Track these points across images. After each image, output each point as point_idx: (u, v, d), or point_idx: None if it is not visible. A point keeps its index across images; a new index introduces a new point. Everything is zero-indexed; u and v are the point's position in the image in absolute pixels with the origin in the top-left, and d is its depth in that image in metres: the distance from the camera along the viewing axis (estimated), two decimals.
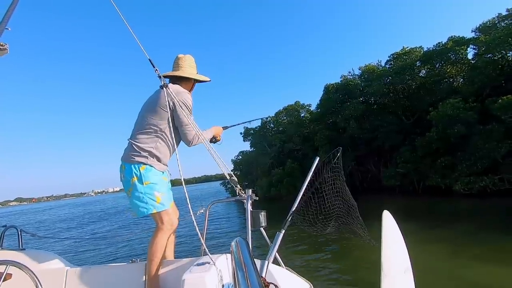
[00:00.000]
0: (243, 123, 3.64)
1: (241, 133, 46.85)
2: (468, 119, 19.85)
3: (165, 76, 2.81)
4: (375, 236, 2.62)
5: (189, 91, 2.84)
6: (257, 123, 45.69)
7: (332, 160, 2.63)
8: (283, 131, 40.69)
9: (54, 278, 2.71)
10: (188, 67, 2.90)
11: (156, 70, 2.41)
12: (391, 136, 26.33)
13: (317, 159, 2.62)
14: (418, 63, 27.14)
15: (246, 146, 62.84)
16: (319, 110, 35.60)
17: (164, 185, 2.65)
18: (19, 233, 3.00)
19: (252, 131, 45.33)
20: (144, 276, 2.63)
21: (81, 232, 25.43)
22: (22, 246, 2.94)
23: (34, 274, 2.46)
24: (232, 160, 51.51)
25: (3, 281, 2.32)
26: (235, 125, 3.33)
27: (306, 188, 2.51)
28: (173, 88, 2.59)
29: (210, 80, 3.04)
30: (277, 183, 33.81)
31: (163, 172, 2.68)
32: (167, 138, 2.64)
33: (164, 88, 2.46)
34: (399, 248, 2.65)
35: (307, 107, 41.27)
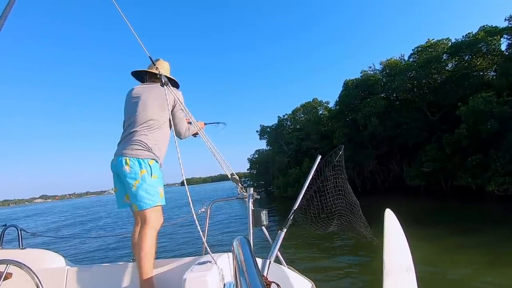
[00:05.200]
0: (217, 123, 3.59)
1: (257, 131, 46.98)
2: (502, 115, 18.81)
3: (142, 72, 3.06)
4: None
5: None
6: (274, 121, 45.59)
7: (334, 158, 2.62)
8: (300, 129, 40.27)
9: (54, 278, 2.71)
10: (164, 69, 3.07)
11: (157, 68, 2.61)
12: (415, 133, 25.65)
13: (319, 157, 2.62)
14: (445, 56, 26.18)
15: (263, 145, 62.99)
16: (338, 107, 35.12)
17: (163, 182, 2.72)
18: (19, 232, 3.08)
19: (268, 129, 45.45)
20: None
21: (82, 230, 25.65)
22: (22, 245, 3.02)
23: (35, 274, 2.45)
24: (248, 159, 51.94)
25: (3, 280, 2.31)
26: (213, 123, 3.47)
27: (307, 186, 2.48)
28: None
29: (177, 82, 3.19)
30: (294, 183, 33.40)
31: (161, 170, 2.75)
32: (166, 135, 2.80)
33: (166, 86, 2.52)
34: (401, 246, 2.58)
35: (325, 104, 40.89)
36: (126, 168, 2.56)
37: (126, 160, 2.56)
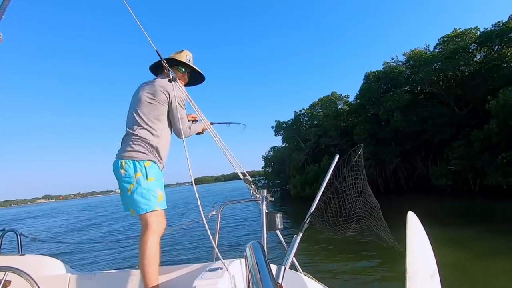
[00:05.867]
0: (228, 123, 3.67)
1: (272, 127, 46.75)
2: None
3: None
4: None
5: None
6: (290, 116, 45.57)
7: (353, 158, 2.60)
8: (318, 124, 40.22)
9: (55, 285, 2.76)
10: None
11: (164, 62, 2.58)
12: (441, 129, 25.56)
13: (337, 156, 2.64)
14: (473, 46, 26.03)
15: (278, 141, 62.95)
16: (358, 101, 35.18)
17: (163, 184, 2.75)
18: (18, 237, 3.12)
19: (284, 125, 45.21)
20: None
21: (86, 234, 25.30)
22: (21, 251, 3.06)
23: (35, 281, 2.45)
24: (262, 156, 51.89)
25: None
26: (220, 123, 3.51)
27: (325, 188, 2.51)
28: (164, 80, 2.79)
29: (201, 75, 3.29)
30: (312, 182, 33.40)
31: (161, 171, 2.79)
32: (168, 134, 2.84)
33: (173, 82, 2.64)
34: (425, 251, 2.61)
35: (345, 98, 40.82)
36: (122, 171, 2.60)
37: (121, 163, 2.61)
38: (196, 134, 3.18)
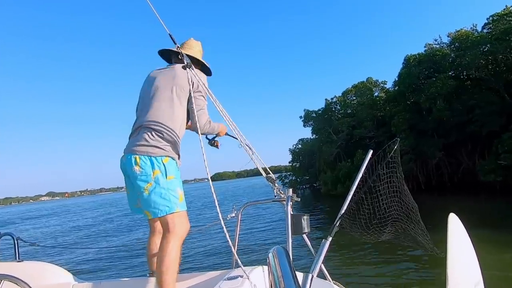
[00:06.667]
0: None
1: (300, 117, 46.93)
2: None
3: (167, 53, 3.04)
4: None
5: None
6: (320, 105, 45.41)
7: (388, 153, 2.51)
8: (352, 114, 40.29)
9: None
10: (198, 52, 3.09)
11: (178, 47, 2.53)
12: (490, 119, 25.10)
13: (370, 152, 2.56)
14: None
15: (307, 133, 62.73)
16: (397, 87, 34.94)
17: (182, 183, 2.67)
18: (16, 242, 3.06)
19: (314, 115, 45.34)
20: None
21: (92, 239, 24.82)
22: (19, 258, 2.98)
23: None
24: (289, 150, 52.12)
25: None
26: (234, 137, 3.11)
27: (357, 187, 2.42)
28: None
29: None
30: (344, 178, 33.47)
31: (178, 168, 2.70)
32: (183, 126, 2.77)
33: (188, 69, 2.53)
34: (469, 258, 2.55)
35: (382, 85, 40.70)
36: (136, 168, 2.49)
37: (135, 159, 2.50)
38: (213, 138, 3.18)
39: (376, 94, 40.38)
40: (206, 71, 3.14)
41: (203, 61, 3.06)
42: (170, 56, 3.04)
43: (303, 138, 51.25)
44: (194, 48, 3.02)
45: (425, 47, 33.53)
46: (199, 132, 2.58)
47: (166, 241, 2.42)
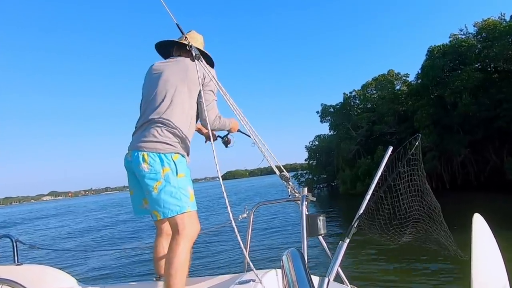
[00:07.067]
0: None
1: (317, 112, 46.74)
2: None
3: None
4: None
5: None
6: (338, 99, 45.22)
7: (408, 150, 2.44)
8: (372, 108, 40.29)
9: None
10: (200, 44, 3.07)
11: (186, 37, 2.45)
12: None
13: (390, 148, 2.49)
14: None
15: (324, 129, 62.45)
16: (420, 80, 34.87)
17: (191, 181, 2.65)
18: (14, 244, 3.03)
19: (331, 109, 45.18)
20: None
21: (95, 241, 24.77)
22: (18, 261, 2.97)
23: None
24: (306, 147, 51.91)
25: None
26: (247, 135, 3.06)
27: (376, 185, 2.36)
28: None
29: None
30: (364, 176, 33.44)
31: (188, 166, 2.69)
32: (193, 122, 2.75)
33: (197, 61, 2.45)
34: (494, 261, 2.50)
35: (404, 78, 40.40)
36: (144, 166, 2.46)
37: (143, 155, 2.47)
38: (225, 136, 3.19)
39: (397, 87, 40.12)
40: (210, 64, 3.06)
41: (209, 54, 3.05)
42: (169, 49, 2.99)
43: (320, 135, 50.85)
44: (198, 41, 3.01)
45: (450, 37, 33.28)
46: (209, 128, 2.59)
47: (175, 243, 2.41)
